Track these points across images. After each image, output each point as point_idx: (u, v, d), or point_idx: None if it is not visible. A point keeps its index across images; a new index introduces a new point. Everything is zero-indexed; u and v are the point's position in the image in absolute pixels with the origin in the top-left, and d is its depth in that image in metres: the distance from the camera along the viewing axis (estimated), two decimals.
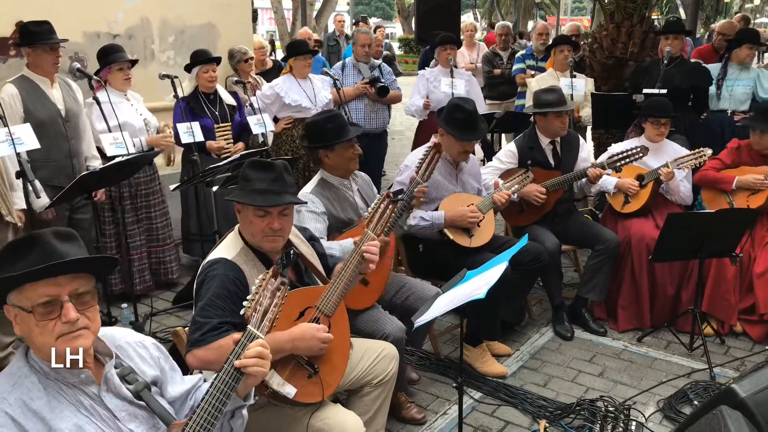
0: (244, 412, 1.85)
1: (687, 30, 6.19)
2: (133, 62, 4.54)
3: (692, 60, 6.24)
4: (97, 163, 4.20)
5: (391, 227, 3.21)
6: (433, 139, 3.69)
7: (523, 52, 7.27)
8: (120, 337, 1.76)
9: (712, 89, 5.23)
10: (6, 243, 1.62)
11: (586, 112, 5.86)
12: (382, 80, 5.77)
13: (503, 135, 7.47)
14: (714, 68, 5.33)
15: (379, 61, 6.15)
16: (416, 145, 5.64)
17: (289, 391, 2.21)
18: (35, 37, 3.86)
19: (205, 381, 1.97)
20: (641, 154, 4.03)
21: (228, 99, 5.02)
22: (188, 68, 4.83)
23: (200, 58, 4.77)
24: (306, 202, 3.14)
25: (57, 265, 1.57)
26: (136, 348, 1.81)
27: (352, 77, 5.82)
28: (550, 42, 6.41)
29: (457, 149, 3.69)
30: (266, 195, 2.32)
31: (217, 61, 4.88)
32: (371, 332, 2.88)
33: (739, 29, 5.76)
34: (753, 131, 4.16)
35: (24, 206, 3.60)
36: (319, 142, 3.21)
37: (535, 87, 5.44)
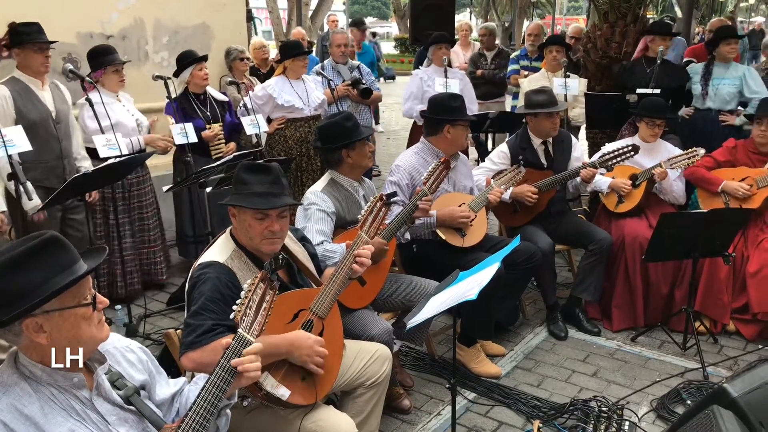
0: (228, 411, 1.87)
1: (674, 33, 6.21)
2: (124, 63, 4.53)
3: (685, 59, 6.26)
4: (86, 164, 4.19)
5: (393, 234, 3.22)
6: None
7: (518, 52, 7.29)
8: (107, 342, 1.76)
9: (698, 88, 5.25)
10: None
11: (576, 112, 5.87)
12: (364, 81, 5.77)
13: (496, 135, 7.48)
14: (700, 66, 5.35)
15: (357, 62, 6.16)
16: (411, 144, 5.65)
17: (283, 393, 2.21)
18: (24, 37, 3.86)
19: (190, 384, 1.98)
20: (632, 153, 4.04)
21: (218, 96, 5.02)
22: (177, 73, 4.80)
23: (190, 59, 4.76)
24: (301, 204, 3.15)
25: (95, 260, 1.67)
26: (124, 353, 1.81)
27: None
28: (543, 42, 6.41)
29: (465, 134, 3.83)
30: (266, 197, 2.32)
31: (205, 58, 4.87)
32: (357, 333, 2.88)
33: (716, 29, 5.78)
34: (758, 123, 4.15)
35: (4, 208, 3.58)
36: (341, 141, 3.21)
37: (527, 87, 5.45)
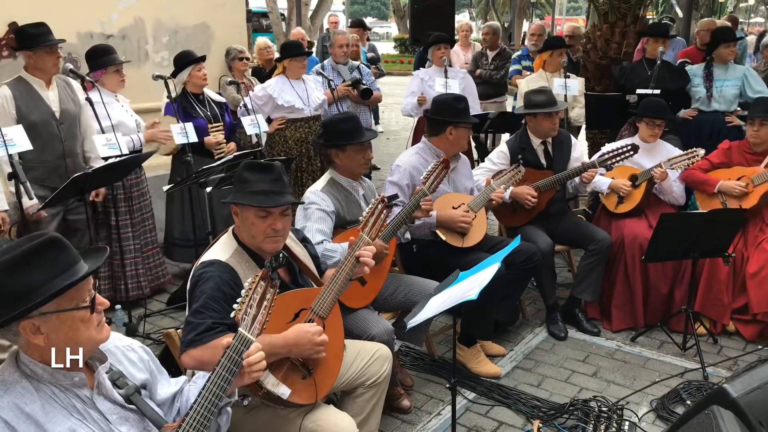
0: (229, 408, 1.87)
1: (671, 35, 6.21)
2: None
3: (679, 60, 6.27)
4: (100, 163, 4.17)
5: (393, 234, 3.23)
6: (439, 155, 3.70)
7: (519, 53, 7.29)
8: (108, 341, 1.76)
9: (702, 91, 5.25)
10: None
11: (576, 113, 5.87)
12: (364, 82, 5.77)
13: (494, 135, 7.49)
14: (699, 69, 5.35)
15: (357, 63, 6.16)
16: (415, 142, 5.64)
17: (284, 392, 2.21)
18: (35, 39, 3.83)
19: (189, 383, 1.98)
20: (632, 153, 4.04)
21: (215, 96, 5.02)
22: (175, 73, 4.76)
23: (188, 59, 4.74)
24: (303, 202, 3.15)
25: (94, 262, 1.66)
26: (125, 352, 1.82)
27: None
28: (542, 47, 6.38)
29: (467, 136, 3.91)
30: (269, 196, 2.33)
31: (203, 59, 4.86)
32: (358, 333, 2.88)
33: (713, 30, 5.74)
34: (751, 124, 4.15)
35: (6, 207, 3.58)
36: (331, 141, 3.22)
37: (525, 88, 5.44)
